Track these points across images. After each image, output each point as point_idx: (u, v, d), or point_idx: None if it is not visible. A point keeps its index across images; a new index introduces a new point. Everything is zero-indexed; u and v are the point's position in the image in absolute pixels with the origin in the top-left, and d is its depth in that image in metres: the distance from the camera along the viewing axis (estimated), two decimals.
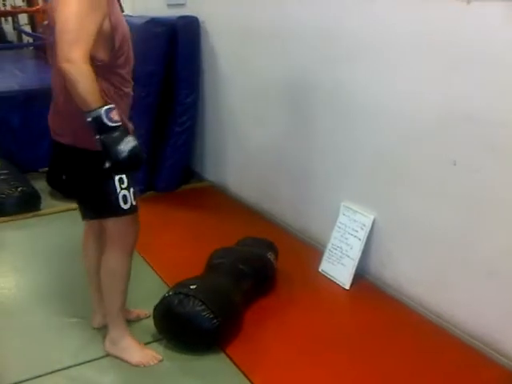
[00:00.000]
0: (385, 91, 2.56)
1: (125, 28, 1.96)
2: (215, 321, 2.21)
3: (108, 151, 1.77)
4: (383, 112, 2.59)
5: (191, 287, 2.31)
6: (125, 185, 1.99)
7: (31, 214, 3.69)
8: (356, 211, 2.81)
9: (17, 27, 9.16)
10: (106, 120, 1.73)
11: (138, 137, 1.88)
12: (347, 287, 2.74)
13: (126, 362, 2.21)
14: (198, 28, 3.92)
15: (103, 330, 2.39)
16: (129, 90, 2.05)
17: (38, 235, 3.45)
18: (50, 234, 3.44)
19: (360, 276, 2.78)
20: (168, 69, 3.87)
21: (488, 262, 2.22)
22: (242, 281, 2.53)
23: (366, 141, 2.73)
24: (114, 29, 1.85)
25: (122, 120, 1.83)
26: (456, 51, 2.19)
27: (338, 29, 2.76)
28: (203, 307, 2.22)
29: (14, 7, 9.12)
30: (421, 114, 2.40)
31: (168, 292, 2.34)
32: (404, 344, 2.33)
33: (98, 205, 2.05)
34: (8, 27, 9.70)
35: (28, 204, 3.73)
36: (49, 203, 3.85)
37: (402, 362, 2.21)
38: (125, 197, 2.00)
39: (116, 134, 1.76)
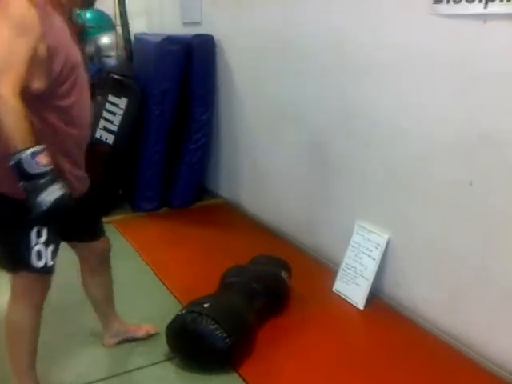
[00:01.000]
0: (400, 111, 2.55)
1: (71, 51, 1.74)
2: (228, 340, 2.19)
3: (29, 200, 1.55)
4: (398, 131, 2.58)
5: (204, 306, 2.30)
6: (42, 239, 1.73)
7: None
8: (370, 231, 2.79)
9: None
10: (26, 166, 1.50)
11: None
12: (361, 307, 2.71)
13: None
14: (214, 46, 3.96)
15: (113, 349, 2.40)
16: (76, 131, 1.79)
17: None
18: (63, 250, 3.41)
19: (374, 296, 2.76)
20: (183, 86, 3.90)
21: (505, 283, 2.19)
22: (255, 300, 2.52)
23: (382, 160, 2.72)
24: (51, 52, 1.63)
25: (55, 164, 1.63)
26: (472, 70, 2.18)
27: (352, 48, 2.77)
28: (216, 326, 2.20)
29: None
30: (437, 133, 2.38)
31: (181, 310, 2.34)
32: (419, 366, 2.29)
33: (7, 255, 1.80)
34: None
35: None
36: None
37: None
38: (39, 253, 1.74)
39: (41, 181, 1.53)
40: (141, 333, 2.46)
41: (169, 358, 2.32)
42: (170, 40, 3.85)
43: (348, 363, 2.31)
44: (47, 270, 1.80)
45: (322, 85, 3.03)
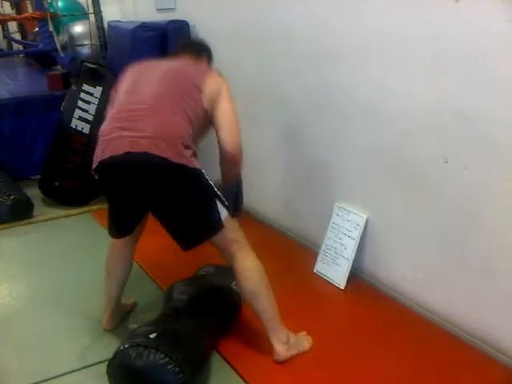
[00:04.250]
0: (376, 90, 2.56)
1: None
2: (182, 375, 1.90)
3: (240, 201, 2.43)
4: (375, 111, 2.59)
5: (150, 336, 1.98)
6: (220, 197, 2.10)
7: (24, 222, 3.68)
8: (349, 211, 2.81)
9: (6, 35, 9.14)
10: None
11: None
12: (342, 287, 2.74)
13: (303, 352, 2.22)
14: (188, 32, 3.92)
15: (101, 333, 2.40)
16: None
17: (32, 242, 3.43)
18: (43, 241, 3.43)
19: (355, 275, 2.78)
20: None
21: (482, 258, 2.22)
22: (205, 319, 2.26)
23: (358, 140, 2.73)
24: None
25: None
26: (447, 48, 2.19)
27: (326, 29, 2.77)
28: (167, 360, 1.89)
29: (2, 15, 9.11)
30: (412, 112, 2.40)
31: (123, 344, 1.97)
32: (401, 343, 2.32)
33: (205, 224, 2.08)
34: None
35: (20, 212, 3.72)
36: (41, 210, 3.85)
37: (400, 360, 2.21)
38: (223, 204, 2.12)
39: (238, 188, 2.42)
40: (129, 307, 2.57)
41: None
42: (144, 27, 3.80)
43: (331, 343, 2.33)
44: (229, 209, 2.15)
45: (299, 69, 3.02)
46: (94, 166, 2.04)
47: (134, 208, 2.18)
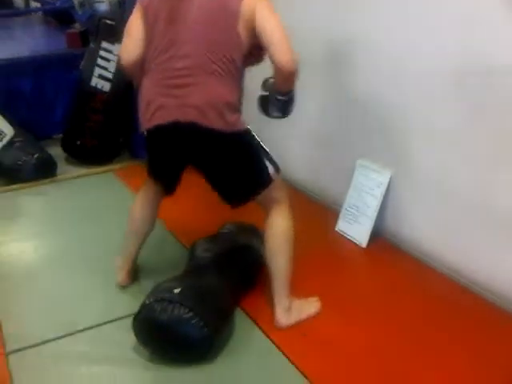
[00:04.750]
0: (401, 46, 2.50)
1: None
2: (206, 329, 1.94)
3: (290, 110, 2.26)
4: (398, 67, 2.54)
5: (175, 291, 2.00)
6: (268, 151, 2.14)
7: (48, 180, 3.71)
8: (372, 169, 2.78)
9: None
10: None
11: None
12: (364, 245, 2.73)
13: (307, 318, 2.20)
14: None
15: (125, 289, 2.45)
16: None
17: (55, 200, 3.47)
18: (67, 199, 3.47)
19: (377, 234, 2.77)
20: None
21: (509, 217, 2.19)
22: (228, 277, 2.28)
23: (381, 97, 2.68)
24: None
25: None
26: (474, 3, 2.12)
27: None
28: (191, 314, 1.93)
29: None
30: (438, 67, 2.35)
31: (148, 298, 2.02)
32: (425, 301, 2.32)
33: (254, 182, 2.13)
34: None
35: (44, 170, 3.75)
36: (64, 169, 3.88)
37: (422, 319, 2.20)
38: (270, 161, 2.14)
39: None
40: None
41: (138, 353, 2.07)
42: None
43: (352, 300, 2.34)
44: (279, 168, 2.18)
45: (323, 22, 2.97)
46: (143, 131, 2.11)
47: (178, 171, 2.26)
